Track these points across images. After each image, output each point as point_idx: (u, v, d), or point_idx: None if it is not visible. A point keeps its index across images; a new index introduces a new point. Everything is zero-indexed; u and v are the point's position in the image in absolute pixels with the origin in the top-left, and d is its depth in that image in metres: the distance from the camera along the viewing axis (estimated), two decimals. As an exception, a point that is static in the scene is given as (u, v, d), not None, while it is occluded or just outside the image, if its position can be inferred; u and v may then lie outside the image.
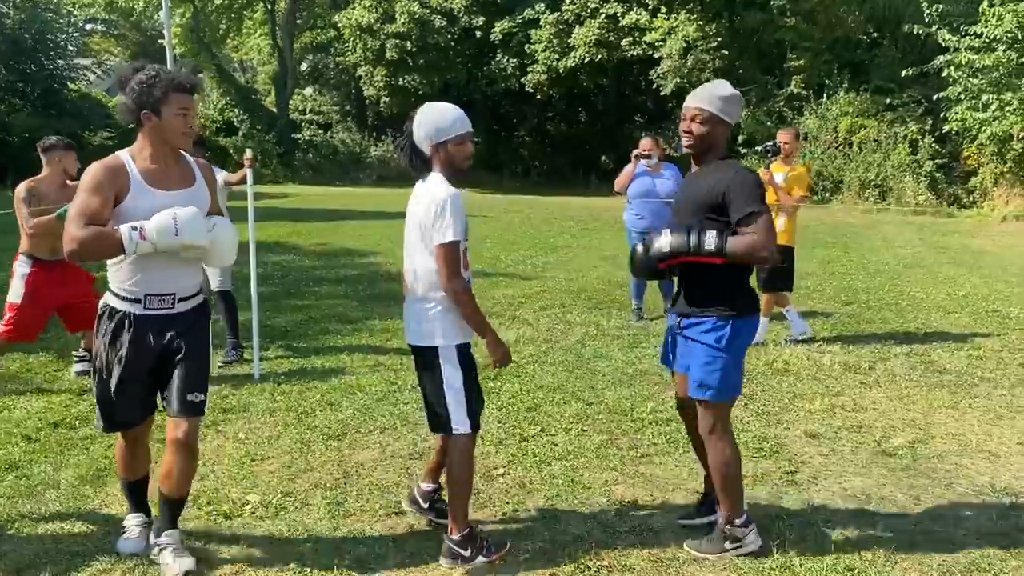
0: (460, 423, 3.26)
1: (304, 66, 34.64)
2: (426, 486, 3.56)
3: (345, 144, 31.01)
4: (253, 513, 3.64)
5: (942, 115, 18.07)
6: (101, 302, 3.09)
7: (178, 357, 3.03)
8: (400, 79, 27.79)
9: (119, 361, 3.00)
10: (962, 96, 16.97)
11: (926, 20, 17.21)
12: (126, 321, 3.00)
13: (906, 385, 5.55)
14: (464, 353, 3.25)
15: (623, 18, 23.64)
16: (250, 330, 5.82)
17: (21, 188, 5.21)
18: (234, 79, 33.64)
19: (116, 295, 3.03)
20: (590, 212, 18.55)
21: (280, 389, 5.39)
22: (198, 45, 31.53)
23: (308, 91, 35.80)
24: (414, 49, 26.91)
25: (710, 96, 3.15)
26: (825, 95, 21.16)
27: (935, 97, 17.79)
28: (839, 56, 22.13)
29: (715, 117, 3.14)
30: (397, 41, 26.83)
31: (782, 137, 6.79)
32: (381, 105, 29.97)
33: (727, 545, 3.24)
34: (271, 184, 25.98)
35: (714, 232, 3.03)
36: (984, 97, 16.40)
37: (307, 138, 31.05)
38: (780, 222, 6.23)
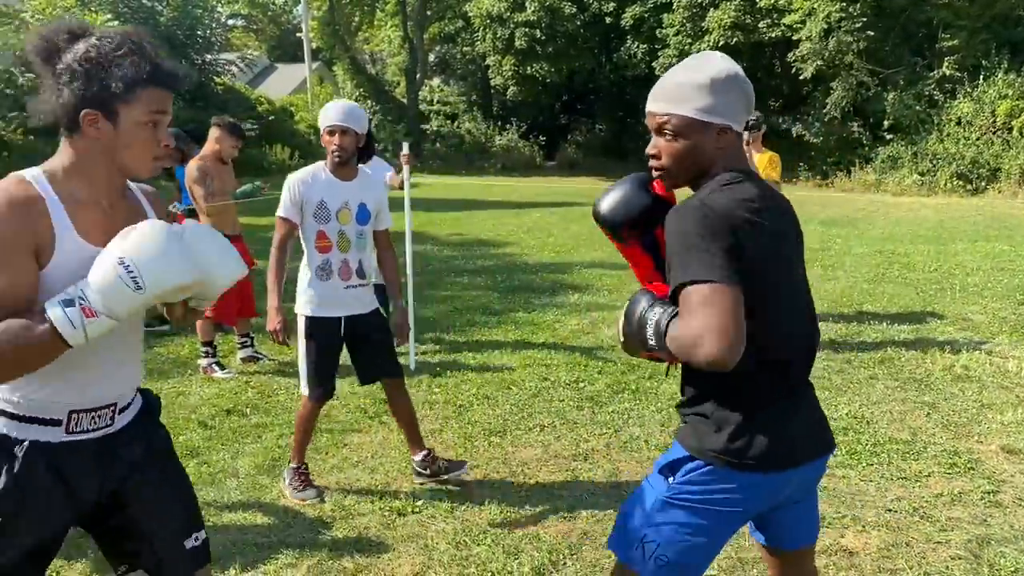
0: (303, 387, 3.68)
1: (432, 57, 35.13)
2: (417, 458, 3.86)
3: (471, 134, 31.25)
4: (426, 510, 3.61)
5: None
6: None
7: (139, 498, 1.95)
8: (528, 68, 27.77)
9: (22, 526, 1.80)
10: None
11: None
12: (32, 459, 1.79)
13: (1110, 397, 5.04)
14: (312, 325, 3.62)
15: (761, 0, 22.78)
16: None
17: (192, 167, 5.39)
18: (366, 71, 34.49)
19: (9, 415, 1.80)
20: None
21: (436, 382, 5.39)
22: (333, 38, 32.47)
23: (436, 81, 36.30)
24: (543, 37, 26.81)
25: (678, 88, 1.86)
26: (981, 77, 19.74)
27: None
28: (997, 35, 20.58)
29: (693, 123, 1.86)
30: (526, 29, 26.79)
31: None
32: (508, 94, 30.06)
33: None
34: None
35: (656, 312, 1.82)
36: None
37: (435, 128, 31.50)
38: None
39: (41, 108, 1.77)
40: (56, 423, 1.82)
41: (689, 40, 24.27)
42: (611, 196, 2.04)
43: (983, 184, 18.77)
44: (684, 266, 1.73)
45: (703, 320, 1.66)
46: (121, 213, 1.87)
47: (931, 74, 20.76)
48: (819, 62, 21.17)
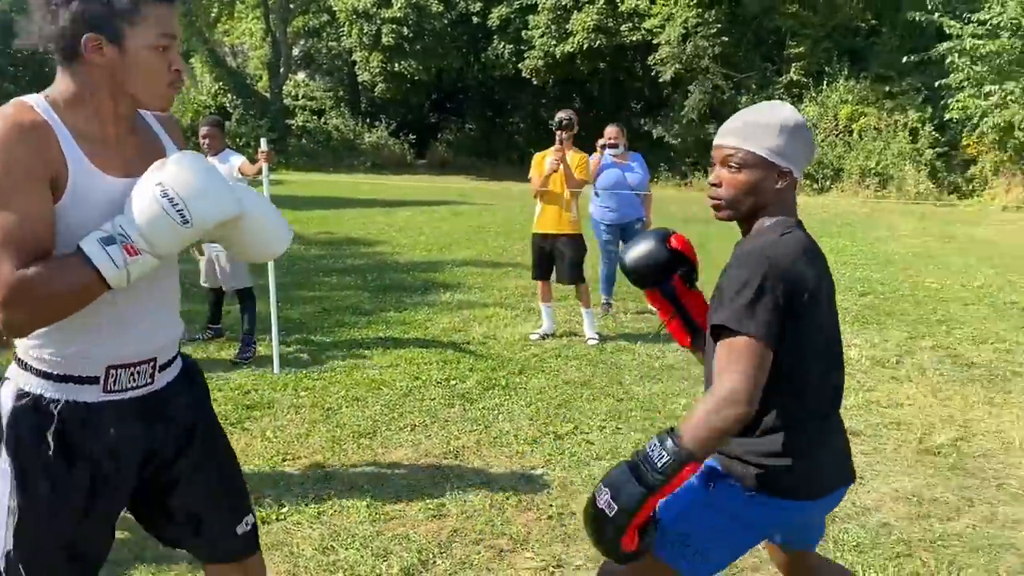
0: None
1: (297, 51, 34.25)
2: None
3: (339, 130, 30.69)
4: (290, 517, 3.52)
5: (942, 103, 18.03)
6: (6, 388, 1.70)
7: (184, 470, 1.82)
8: (395, 65, 27.54)
9: (62, 509, 1.66)
10: (964, 84, 16.93)
11: (928, 7, 17.14)
12: (71, 418, 1.65)
13: (938, 380, 5.48)
14: None
15: (622, 3, 23.45)
16: (267, 323, 5.69)
17: None
18: (226, 64, 33.24)
19: (41, 373, 1.65)
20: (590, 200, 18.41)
21: (303, 384, 5.26)
22: (190, 29, 31.12)
23: (301, 76, 35.41)
24: (410, 34, 26.65)
25: (751, 126, 1.93)
26: (825, 82, 21.07)
27: (936, 85, 17.73)
28: (839, 43, 22.04)
29: (760, 160, 1.91)
30: (393, 26, 26.57)
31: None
32: (376, 91, 29.72)
33: None
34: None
35: (659, 442, 1.75)
36: (987, 86, 16.36)
37: (300, 124, 30.73)
38: (574, 210, 6.18)
39: (35, 35, 1.58)
40: (93, 380, 1.66)
41: (554, 42, 24.72)
42: (636, 250, 2.22)
43: (827, 183, 20.04)
44: (734, 311, 1.78)
45: (743, 380, 1.71)
46: (133, 145, 1.70)
47: (780, 79, 21.98)
48: (677, 66, 22.02)
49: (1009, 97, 16.03)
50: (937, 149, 18.96)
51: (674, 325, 2.21)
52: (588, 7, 23.92)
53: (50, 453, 1.62)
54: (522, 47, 25.99)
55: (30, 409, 1.64)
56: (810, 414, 1.92)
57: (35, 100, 1.60)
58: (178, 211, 1.53)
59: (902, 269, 9.78)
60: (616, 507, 1.72)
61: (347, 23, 27.98)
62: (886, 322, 7.11)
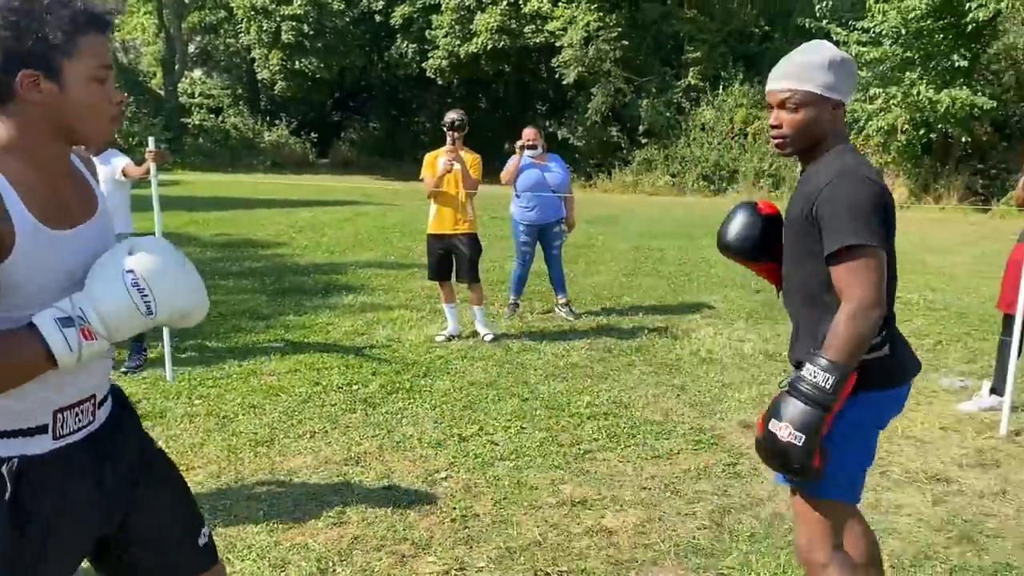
0: None
1: (192, 48, 33.16)
2: None
3: (237, 129, 29.86)
4: (184, 530, 3.39)
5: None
6: None
7: (142, 505, 1.76)
8: (296, 62, 26.98)
9: (40, 554, 1.57)
10: (850, 89, 17.74)
11: (816, 14, 17.88)
12: (24, 478, 1.54)
13: (826, 373, 5.70)
14: None
15: (525, 5, 23.60)
16: (158, 329, 5.48)
17: None
18: (117, 60, 31.91)
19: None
20: (497, 200, 18.46)
21: (197, 392, 5.08)
22: (76, 22, 29.76)
23: (197, 73, 34.29)
24: (311, 32, 26.16)
25: (802, 67, 2.12)
26: (721, 87, 21.71)
27: (825, 90, 18.49)
28: (734, 49, 22.75)
29: (816, 98, 2.10)
30: (293, 23, 26.02)
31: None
32: (276, 89, 29.06)
33: None
34: (160, 171, 24.73)
35: (814, 365, 1.97)
36: (871, 90, 17.17)
37: (197, 122, 29.75)
38: (470, 210, 6.32)
39: None
40: (42, 430, 1.56)
41: (458, 42, 24.68)
42: (733, 227, 2.38)
43: (724, 185, 20.66)
44: (853, 229, 1.98)
45: (870, 289, 1.95)
46: (69, 189, 1.61)
47: (679, 83, 22.53)
48: (580, 68, 22.31)
49: (892, 101, 16.86)
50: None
51: (771, 275, 2.44)
52: (491, 8, 23.97)
53: (6, 520, 1.51)
54: (426, 47, 25.86)
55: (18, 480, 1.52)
56: (891, 312, 2.13)
57: None
58: (146, 303, 1.50)
59: (794, 267, 10.14)
60: (803, 435, 1.93)
61: (245, 20, 27.26)
62: (778, 317, 7.36)
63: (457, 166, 6.14)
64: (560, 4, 22.95)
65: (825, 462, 2.02)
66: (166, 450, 4.13)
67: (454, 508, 3.61)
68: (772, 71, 2.19)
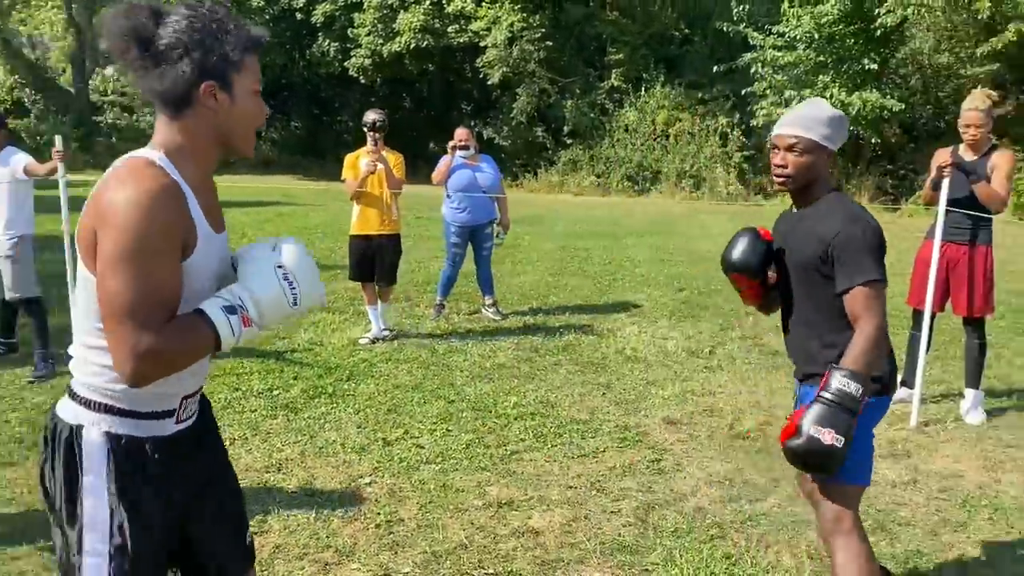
0: None
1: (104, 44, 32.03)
2: None
3: (153, 128, 28.97)
4: (95, 545, 3.25)
5: (749, 109, 19.30)
6: (92, 434, 1.68)
7: (209, 489, 1.86)
8: (214, 60, 26.31)
9: (142, 529, 1.68)
10: (767, 92, 18.21)
11: (734, 18, 18.31)
12: (159, 455, 1.71)
13: (746, 368, 5.84)
14: None
15: (448, 5, 23.52)
16: (68, 336, 5.24)
17: None
18: (23, 55, 30.60)
19: (127, 412, 1.68)
20: (422, 200, 18.36)
21: (110, 401, 4.89)
22: (-22, 16, 28.43)
23: (109, 71, 33.13)
24: (229, 29, 25.54)
25: (808, 120, 2.55)
26: (643, 88, 22.03)
27: (743, 92, 18.95)
28: (655, 51, 23.10)
29: (817, 146, 2.53)
30: (210, 20, 25.37)
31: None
32: (193, 87, 28.29)
33: None
34: (70, 171, 23.80)
35: (841, 376, 2.33)
36: (786, 93, 17.67)
37: (110, 121, 28.74)
38: (395, 211, 6.37)
39: (149, 88, 1.64)
40: (170, 414, 1.74)
41: (380, 41, 24.45)
42: (739, 249, 2.71)
43: (647, 185, 20.97)
44: (872, 268, 2.41)
45: (877, 319, 2.38)
46: (213, 193, 1.82)
47: (602, 84, 22.77)
48: (505, 68, 22.34)
49: (805, 104, 17.40)
50: (745, 152, 20.26)
51: (754, 293, 2.80)
52: (414, 7, 23.81)
53: (152, 493, 1.69)
54: (348, 45, 25.52)
55: (130, 451, 1.68)
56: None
57: (157, 157, 1.65)
58: (293, 295, 1.70)
59: (714, 265, 10.31)
60: (844, 438, 2.28)
61: (160, 15, 26.45)
62: (700, 315, 7.50)
63: (380, 167, 6.08)
64: (484, 4, 22.95)
65: (848, 457, 2.36)
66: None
67: (378, 513, 3.56)
68: (782, 119, 2.62)
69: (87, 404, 1.67)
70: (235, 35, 1.66)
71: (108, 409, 1.67)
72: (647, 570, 3.15)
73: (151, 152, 1.65)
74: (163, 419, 1.72)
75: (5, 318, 5.72)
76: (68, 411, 1.70)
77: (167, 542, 1.75)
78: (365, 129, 6.17)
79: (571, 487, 3.86)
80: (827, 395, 2.31)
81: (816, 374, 2.53)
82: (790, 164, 2.56)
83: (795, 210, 2.68)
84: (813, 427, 2.29)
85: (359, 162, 6.22)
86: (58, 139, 5.22)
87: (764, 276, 2.74)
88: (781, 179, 2.59)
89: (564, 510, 3.62)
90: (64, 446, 1.67)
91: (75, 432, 1.66)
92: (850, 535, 2.53)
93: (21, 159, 5.35)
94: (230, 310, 1.63)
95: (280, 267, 1.70)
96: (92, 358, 1.66)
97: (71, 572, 1.68)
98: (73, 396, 1.70)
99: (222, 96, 1.67)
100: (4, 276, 5.44)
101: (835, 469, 2.34)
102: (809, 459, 2.34)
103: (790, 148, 2.55)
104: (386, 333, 6.46)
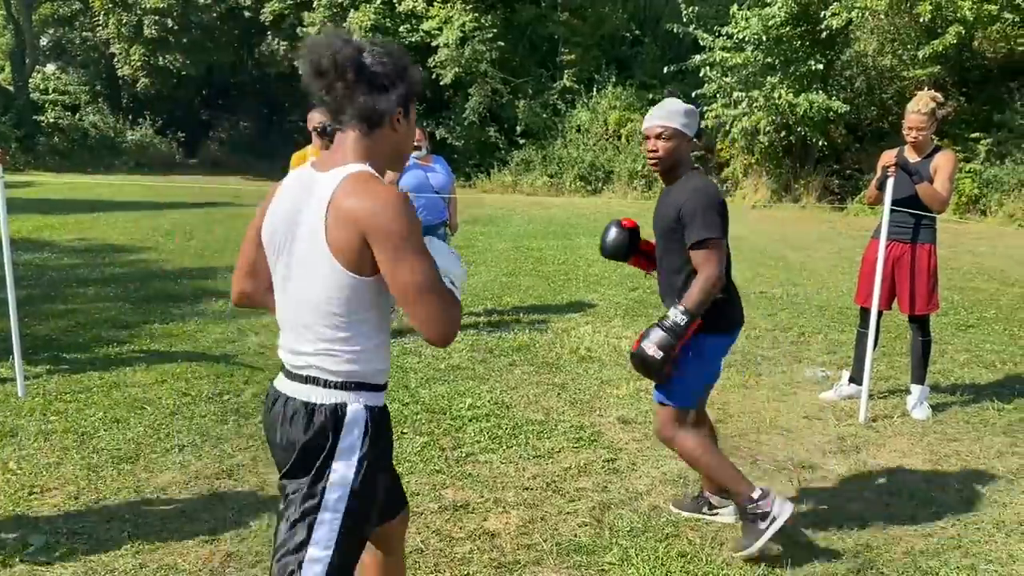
0: None
1: (45, 40, 31.18)
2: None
3: (97, 128, 28.28)
4: (38, 558, 3.16)
5: (699, 110, 19.52)
6: (354, 407, 1.94)
7: None
8: (160, 58, 25.81)
9: (377, 487, 2.01)
10: (717, 93, 18.44)
11: (684, 20, 18.50)
12: (387, 420, 2.05)
13: (699, 367, 5.89)
14: None
15: (399, 4, 23.38)
16: (7, 341, 5.10)
17: None
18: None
19: (376, 387, 1.99)
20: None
21: (53, 408, 4.75)
22: (-90, 11, 27.49)
23: (51, 68, 32.28)
24: (176, 27, 25.08)
25: (670, 112, 3.16)
26: (595, 89, 22.15)
27: (693, 94, 19.16)
28: (607, 52, 23.25)
29: (679, 132, 3.15)
30: (156, 17, 24.88)
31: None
32: (138, 86, 27.72)
33: (761, 526, 3.14)
34: (10, 172, 23.12)
35: (676, 310, 3.02)
36: (735, 94, 17.91)
37: (52, 120, 27.98)
38: None
39: (357, 106, 1.93)
40: (385, 387, 2.05)
41: (332, 40, 24.18)
42: (608, 240, 3.52)
43: (600, 185, 21.09)
44: (711, 227, 3.03)
45: (715, 266, 3.03)
46: None
47: (554, 85, 22.84)
48: (457, 69, 22.27)
49: (754, 105, 17.63)
50: (695, 153, 20.37)
51: (641, 264, 3.54)
52: (365, 6, 23.62)
53: (387, 454, 2.04)
54: (298, 44, 25.20)
55: (378, 419, 1.98)
56: (730, 278, 3.22)
57: (368, 169, 1.94)
58: (464, 274, 2.12)
59: (667, 264, 10.45)
60: (663, 353, 3.01)
61: (103, 12, 25.86)
62: (653, 314, 7.55)
63: None
64: (435, 4, 22.87)
65: (674, 374, 3.14)
66: (18, 472, 3.88)
67: (333, 518, 3.51)
68: (650, 113, 3.21)
69: (344, 386, 1.93)
70: (417, 76, 2.00)
71: (362, 386, 1.95)
72: (603, 570, 3.16)
73: (359, 166, 1.93)
74: (381, 391, 2.02)
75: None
76: (320, 395, 1.93)
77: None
78: (314, 132, 6.11)
79: (527, 488, 3.85)
80: (664, 323, 3.03)
81: None
82: (660, 148, 3.17)
83: (665, 187, 3.31)
84: (646, 343, 3.03)
85: (306, 160, 6.12)
86: (-5, 139, 5.04)
87: (635, 254, 3.52)
88: (653, 161, 3.21)
89: (520, 511, 3.61)
90: (325, 422, 1.91)
91: (338, 409, 1.92)
92: (679, 437, 3.26)
93: None
94: (451, 282, 2.02)
95: (452, 251, 2.11)
96: (340, 347, 1.92)
97: (310, 528, 1.90)
98: (326, 383, 1.93)
99: (403, 123, 1.99)
100: None
101: (657, 376, 3.10)
102: (639, 366, 3.07)
103: (659, 136, 3.16)
104: None
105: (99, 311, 7.26)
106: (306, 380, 1.95)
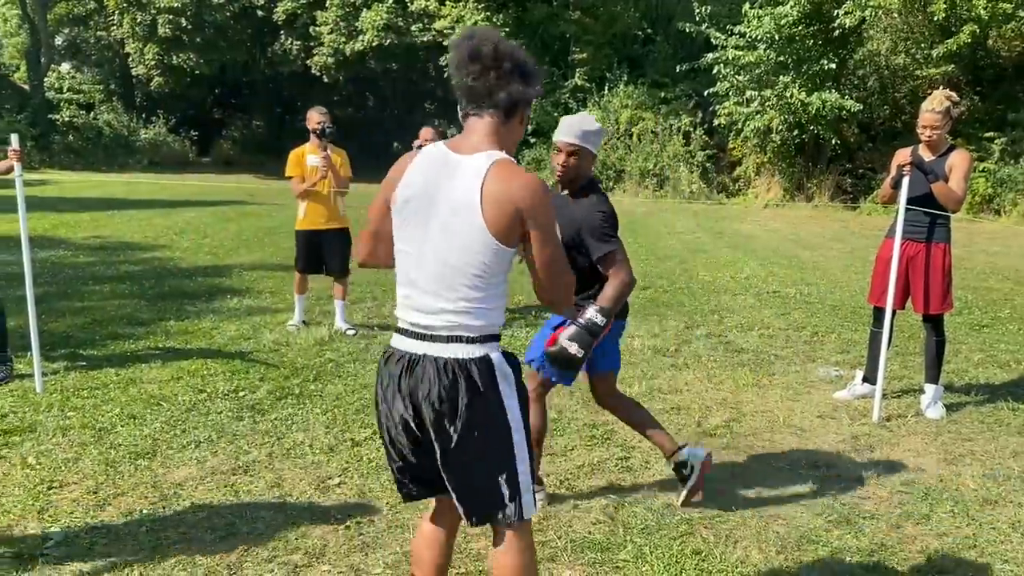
0: None
1: (60, 40, 31.38)
2: None
3: (111, 126, 28.46)
4: (58, 551, 3.19)
5: (711, 109, 19.50)
6: (496, 355, 2.25)
7: None
8: (174, 57, 25.94)
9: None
10: (729, 92, 18.40)
11: (696, 19, 18.46)
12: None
13: (712, 366, 5.90)
14: None
15: (412, 3, 23.44)
16: (26, 338, 5.15)
17: None
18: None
19: (499, 338, 2.30)
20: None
21: (70, 404, 4.80)
22: (-73, 10, 27.71)
23: (66, 67, 32.50)
24: (189, 26, 25.20)
25: (585, 133, 3.38)
26: (607, 88, 22.14)
27: (705, 92, 19.14)
28: (618, 51, 23.24)
29: (587, 151, 3.39)
30: (171, 16, 25.01)
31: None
32: (152, 85, 27.88)
33: (685, 472, 3.64)
34: (26, 170, 23.26)
35: (593, 310, 3.20)
36: (748, 93, 17.87)
37: (66, 119, 28.19)
38: (341, 206, 6.59)
39: (504, 94, 2.16)
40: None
41: (343, 38, 24.29)
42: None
43: (611, 184, 21.08)
44: (608, 240, 3.32)
45: (626, 271, 3.31)
46: None
47: (566, 83, 22.85)
48: (469, 67, 22.29)
49: (767, 103, 17.60)
50: (707, 152, 20.46)
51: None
52: (378, 5, 23.72)
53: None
54: (311, 43, 25.34)
55: (509, 360, 2.27)
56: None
57: (509, 156, 2.19)
58: None
59: (679, 263, 10.45)
60: (583, 351, 3.14)
61: (117, 12, 26.01)
62: (665, 313, 7.56)
63: (330, 171, 6.41)
64: (447, 3, 22.93)
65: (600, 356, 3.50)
66: (37, 467, 3.92)
67: (348, 515, 3.54)
68: (563, 127, 3.42)
69: (483, 340, 2.20)
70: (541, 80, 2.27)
71: (493, 338, 2.24)
72: (618, 567, 3.17)
73: (500, 153, 2.17)
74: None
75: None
76: (466, 350, 2.18)
77: None
78: (315, 134, 6.41)
79: (541, 482, 3.86)
80: (581, 321, 3.15)
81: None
82: (570, 164, 3.41)
83: (565, 193, 3.52)
84: (567, 342, 3.14)
85: (305, 159, 6.46)
86: (14, 138, 5.11)
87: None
88: (562, 174, 3.44)
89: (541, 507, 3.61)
90: (476, 373, 2.17)
91: (488, 359, 2.20)
92: (614, 398, 3.72)
93: None
94: None
95: None
96: (479, 306, 2.18)
97: (507, 454, 2.23)
98: (469, 340, 2.18)
99: (525, 119, 2.26)
100: None
101: (573, 371, 3.27)
102: (559, 362, 3.19)
103: (570, 153, 3.39)
104: (352, 330, 6.56)
105: (115, 308, 7.32)
106: (448, 339, 2.18)
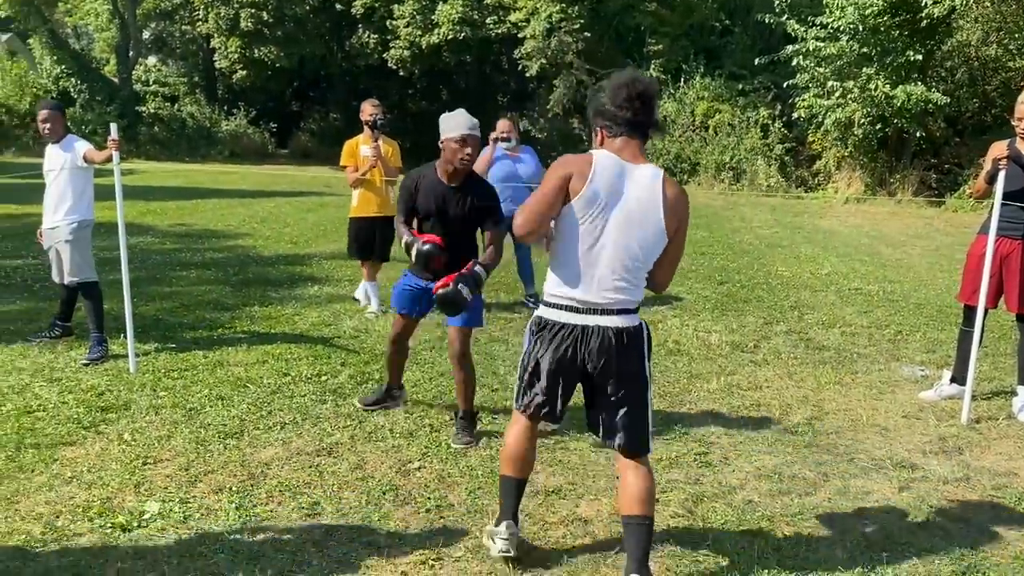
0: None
1: (147, 34, 32.45)
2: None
3: (194, 118, 29.29)
4: (154, 523, 3.33)
5: (790, 101, 19.05)
6: (645, 325, 2.99)
7: None
8: (255, 51, 26.58)
9: None
10: (809, 84, 17.95)
11: (776, 9, 18.06)
12: None
13: (792, 363, 5.79)
14: None
15: (487, -4, 23.53)
16: (120, 320, 5.37)
17: None
18: (68, 46, 31.10)
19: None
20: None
21: (162, 384, 4.99)
22: (27, 7, 28.92)
23: (152, 60, 33.60)
24: (271, 20, 25.78)
25: (476, 125, 4.07)
26: (682, 79, 21.84)
27: (784, 84, 18.71)
28: (695, 42, 22.89)
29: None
30: (253, 11, 25.62)
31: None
32: (234, 78, 28.61)
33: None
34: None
35: (479, 267, 3.90)
36: (829, 84, 17.41)
37: (152, 111, 29.15)
38: (392, 195, 6.70)
39: (654, 123, 2.93)
40: None
41: (419, 32, 24.53)
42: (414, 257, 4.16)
43: (685, 177, 20.78)
44: (501, 221, 4.11)
45: (502, 245, 4.09)
46: None
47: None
48: (543, 60, 22.29)
49: (849, 96, 17.10)
50: (786, 145, 20.01)
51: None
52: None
53: None
54: (387, 37, 25.64)
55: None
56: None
57: None
58: None
59: (756, 259, 10.28)
60: (473, 294, 3.79)
61: (203, 6, 26.77)
62: (743, 309, 7.45)
63: (378, 162, 6.66)
64: (523, -5, 22.92)
65: (473, 305, 3.95)
66: (132, 443, 4.07)
67: (428, 498, 3.60)
68: (463, 123, 4.01)
69: (636, 311, 2.91)
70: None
71: (637, 310, 2.90)
72: (698, 560, 3.15)
73: (657, 167, 2.86)
74: None
75: (65, 302, 5.83)
76: (623, 320, 2.87)
77: None
78: (365, 123, 6.69)
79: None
80: (468, 273, 3.79)
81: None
82: (473, 156, 4.04)
83: (446, 182, 4.13)
84: (462, 287, 3.71)
85: (358, 149, 6.75)
86: (113, 128, 5.33)
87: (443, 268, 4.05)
88: (466, 164, 4.03)
89: (611, 499, 3.62)
90: (640, 339, 2.90)
91: (643, 327, 2.92)
92: (466, 357, 4.28)
93: (82, 147, 5.48)
94: None
95: None
96: (634, 285, 2.87)
97: (646, 395, 2.95)
98: (631, 312, 2.88)
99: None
100: (64, 260, 5.56)
101: (458, 312, 3.85)
102: (448, 303, 3.74)
103: (475, 145, 3.99)
104: (377, 312, 6.84)
105: (201, 293, 7.57)
106: (618, 312, 2.85)
